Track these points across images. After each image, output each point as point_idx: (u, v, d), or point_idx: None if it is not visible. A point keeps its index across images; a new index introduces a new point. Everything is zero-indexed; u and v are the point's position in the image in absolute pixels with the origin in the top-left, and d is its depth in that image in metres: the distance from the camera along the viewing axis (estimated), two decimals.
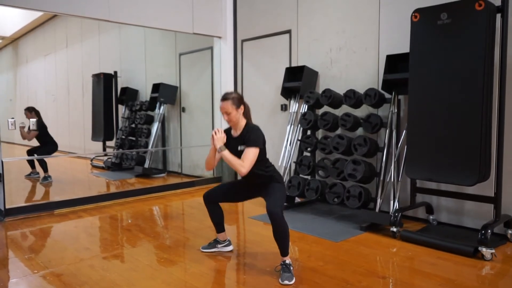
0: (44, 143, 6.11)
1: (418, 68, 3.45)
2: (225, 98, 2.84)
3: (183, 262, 3.06)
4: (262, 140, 2.82)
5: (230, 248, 3.25)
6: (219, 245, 3.23)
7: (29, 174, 6.48)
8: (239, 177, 3.04)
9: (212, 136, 2.81)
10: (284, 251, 2.72)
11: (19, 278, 2.76)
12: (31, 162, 6.43)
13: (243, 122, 2.90)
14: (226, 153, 2.75)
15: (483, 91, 3.09)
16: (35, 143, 6.15)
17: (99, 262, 3.04)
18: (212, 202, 3.12)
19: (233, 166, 2.74)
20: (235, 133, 2.92)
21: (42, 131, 6.07)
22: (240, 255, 3.18)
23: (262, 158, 2.83)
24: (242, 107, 2.86)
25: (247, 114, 2.94)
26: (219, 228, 3.20)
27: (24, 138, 5.99)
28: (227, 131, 2.96)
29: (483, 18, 3.08)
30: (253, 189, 2.98)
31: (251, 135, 2.78)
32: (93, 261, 3.05)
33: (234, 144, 2.87)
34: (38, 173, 6.44)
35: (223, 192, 3.13)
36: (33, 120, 5.97)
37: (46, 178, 6.20)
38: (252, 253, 3.21)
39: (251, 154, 2.73)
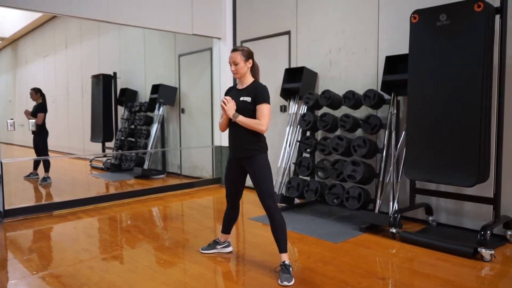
0: (41, 130, 6.07)
1: (417, 69, 3.46)
2: (235, 49, 2.82)
3: (182, 263, 3.05)
4: (269, 97, 2.78)
5: (229, 249, 3.25)
6: (218, 246, 3.23)
7: (28, 175, 6.48)
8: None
9: (222, 106, 2.76)
10: (282, 247, 2.72)
11: (18, 279, 2.76)
12: (35, 162, 6.43)
13: (250, 78, 2.86)
14: (241, 118, 2.72)
15: (482, 92, 3.10)
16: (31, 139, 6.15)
17: (99, 263, 3.04)
18: (232, 203, 3.07)
19: (251, 127, 2.71)
20: (241, 86, 2.87)
21: (44, 115, 6.09)
22: (239, 256, 3.18)
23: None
24: (250, 61, 2.83)
25: (255, 72, 2.90)
26: (226, 229, 3.18)
27: (29, 119, 6.00)
28: (231, 88, 2.95)
29: (482, 19, 3.09)
30: (240, 161, 2.85)
31: (260, 91, 2.75)
32: (93, 262, 3.04)
33: (237, 94, 2.82)
34: (37, 174, 6.44)
35: (229, 188, 3.03)
36: (33, 121, 5.97)
37: (45, 179, 6.19)
38: (252, 255, 3.21)
39: (265, 110, 2.70)
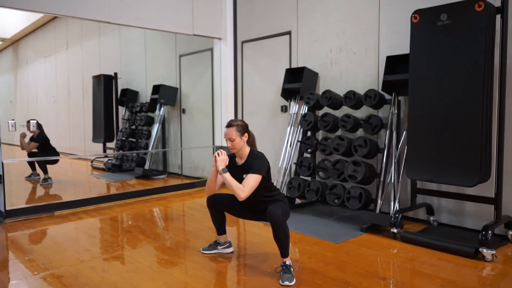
0: (46, 151, 6.10)
1: (418, 69, 3.45)
2: (229, 125, 2.86)
3: (183, 263, 3.06)
4: (267, 167, 2.81)
5: (230, 249, 3.25)
6: (219, 247, 3.23)
7: (29, 176, 6.49)
8: None
9: (215, 157, 2.81)
10: (284, 252, 2.72)
11: (19, 279, 2.76)
12: (31, 164, 6.44)
13: (247, 150, 2.90)
14: (227, 176, 2.75)
15: (483, 92, 3.10)
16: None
17: (100, 263, 3.04)
18: (215, 208, 3.12)
19: (233, 190, 2.72)
20: (240, 161, 2.92)
21: (43, 143, 6.08)
22: (240, 257, 3.18)
23: (266, 183, 2.84)
24: (246, 135, 2.87)
25: (251, 142, 2.96)
26: (220, 230, 3.20)
27: (23, 149, 6.01)
28: (232, 157, 2.96)
29: (483, 19, 3.08)
30: (258, 211, 2.95)
31: (255, 162, 2.78)
32: (94, 263, 3.04)
33: (239, 172, 2.87)
34: (38, 175, 6.45)
35: (229, 202, 3.07)
36: (33, 122, 5.97)
37: (46, 179, 6.20)
38: (253, 255, 3.21)
39: (252, 180, 2.72)
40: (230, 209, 3.10)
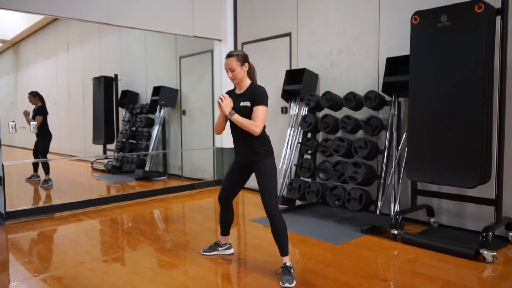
0: (41, 134, 6.08)
1: (419, 70, 3.45)
2: (230, 55, 2.80)
3: (183, 265, 3.05)
4: (267, 99, 2.78)
5: (231, 251, 3.25)
6: (220, 248, 3.23)
7: (30, 177, 6.49)
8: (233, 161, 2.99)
9: (219, 103, 2.77)
10: (283, 250, 2.72)
11: (19, 281, 2.76)
12: (34, 164, 6.44)
13: (247, 81, 2.85)
14: (237, 117, 2.72)
15: (483, 93, 3.10)
16: (33, 141, 6.15)
17: (100, 265, 3.03)
18: (225, 201, 3.09)
19: (245, 127, 2.70)
20: (239, 91, 2.87)
21: (44, 118, 6.08)
22: (240, 258, 3.18)
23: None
24: (246, 64, 2.81)
25: (252, 74, 2.89)
26: (225, 230, 3.19)
27: (29, 122, 5.99)
28: (231, 92, 2.93)
29: (483, 20, 3.08)
30: (246, 164, 2.88)
31: (257, 93, 2.75)
32: (94, 264, 3.04)
33: (237, 100, 2.82)
34: (38, 176, 6.45)
35: (230, 186, 3.04)
36: (34, 123, 5.97)
37: (47, 181, 6.20)
38: (253, 256, 3.21)
39: (261, 112, 2.70)
40: (234, 186, 3.03)
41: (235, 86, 2.93)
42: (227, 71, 2.81)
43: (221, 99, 2.77)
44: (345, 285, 2.64)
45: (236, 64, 2.76)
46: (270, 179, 2.76)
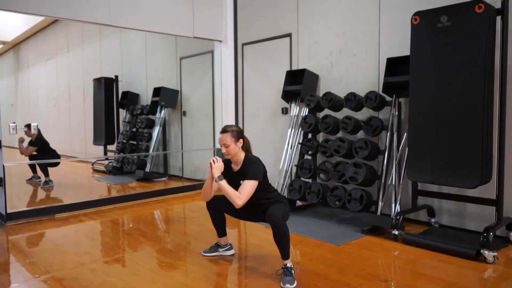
0: (46, 152, 6.10)
1: (419, 70, 3.45)
2: (224, 130, 2.85)
3: (184, 266, 3.05)
4: (263, 172, 2.80)
5: (231, 252, 3.25)
6: (220, 249, 3.23)
7: (30, 179, 6.49)
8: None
9: (210, 164, 2.79)
10: (285, 254, 2.71)
11: (20, 282, 2.76)
12: (32, 167, 6.44)
13: (242, 155, 2.88)
14: (223, 183, 2.73)
15: (484, 93, 3.09)
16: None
17: (100, 266, 3.03)
18: (215, 210, 3.11)
19: (230, 197, 2.70)
20: (236, 167, 2.91)
21: (42, 147, 6.07)
22: (241, 259, 3.18)
23: (264, 187, 2.83)
24: (241, 140, 2.85)
25: (247, 147, 2.94)
26: (221, 232, 3.20)
27: (22, 153, 5.99)
28: (227, 163, 2.95)
29: (483, 21, 3.08)
30: (258, 213, 2.94)
31: (251, 168, 2.77)
32: (94, 266, 3.04)
33: (235, 178, 2.86)
34: (39, 178, 6.45)
35: (228, 204, 2.97)
36: (35, 124, 5.98)
37: (47, 182, 6.20)
38: (254, 257, 3.21)
39: (249, 186, 2.70)
40: (229, 210, 3.08)
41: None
42: (221, 146, 2.84)
43: (213, 160, 2.78)
44: (346, 285, 2.63)
45: (230, 141, 2.80)
46: (282, 205, 2.80)
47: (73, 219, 4.48)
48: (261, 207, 2.86)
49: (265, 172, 2.84)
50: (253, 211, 2.95)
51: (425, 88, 3.41)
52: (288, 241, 2.71)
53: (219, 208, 3.11)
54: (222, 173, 2.80)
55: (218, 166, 2.78)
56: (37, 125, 6.11)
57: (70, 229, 4.10)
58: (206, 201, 3.05)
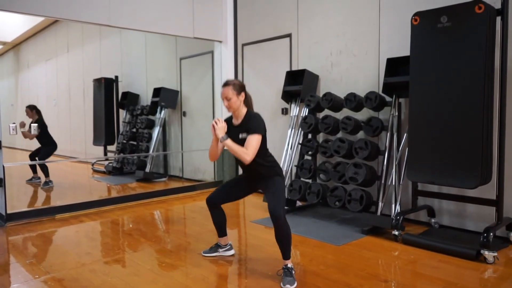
0: (44, 144, 6.11)
1: (419, 71, 3.46)
2: (226, 83, 2.81)
3: (184, 266, 3.05)
4: (263, 127, 2.79)
5: (231, 252, 3.25)
6: (220, 250, 3.23)
7: (31, 179, 6.49)
8: (240, 172, 3.01)
9: (213, 126, 2.78)
10: (286, 254, 2.71)
11: (20, 283, 2.76)
12: (33, 167, 6.44)
13: (243, 110, 2.86)
14: (229, 142, 2.73)
15: (484, 94, 3.09)
16: (35, 144, 6.16)
17: (101, 266, 3.04)
18: (215, 205, 3.10)
19: (237, 154, 2.72)
20: (236, 121, 2.88)
21: (43, 130, 6.08)
22: (241, 259, 3.18)
23: (262, 147, 2.79)
24: (243, 94, 2.83)
25: (248, 102, 2.91)
26: (221, 232, 3.19)
27: (25, 137, 5.99)
28: (228, 120, 2.93)
29: (483, 21, 3.09)
30: (254, 182, 2.96)
31: (253, 122, 2.76)
32: (95, 266, 3.04)
33: (235, 132, 2.83)
34: (39, 178, 6.45)
35: (225, 192, 3.09)
36: (35, 125, 5.98)
37: (47, 183, 6.20)
38: (254, 257, 3.21)
39: (254, 140, 2.70)
40: (227, 196, 3.08)
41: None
42: (223, 100, 2.82)
43: (215, 122, 2.78)
44: (346, 286, 2.64)
45: (232, 94, 2.77)
46: (278, 191, 2.78)
47: (74, 219, 4.48)
48: (258, 170, 2.84)
49: (265, 129, 2.81)
50: (249, 178, 2.93)
51: (425, 88, 3.41)
52: (290, 242, 2.71)
53: (220, 203, 3.09)
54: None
55: (222, 127, 2.76)
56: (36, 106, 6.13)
57: (71, 230, 4.10)
58: (214, 160, 3.05)
